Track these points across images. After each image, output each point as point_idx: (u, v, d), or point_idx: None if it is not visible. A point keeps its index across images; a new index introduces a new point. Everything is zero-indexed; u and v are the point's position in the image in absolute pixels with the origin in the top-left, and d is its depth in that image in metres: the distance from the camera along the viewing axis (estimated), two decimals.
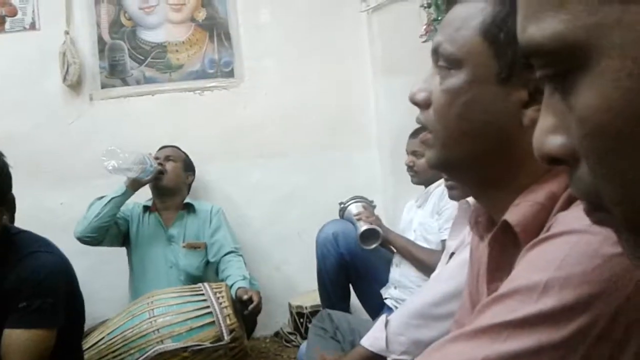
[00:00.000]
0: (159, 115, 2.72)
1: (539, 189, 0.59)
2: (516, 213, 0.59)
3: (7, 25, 2.68)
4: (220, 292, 1.91)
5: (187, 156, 2.58)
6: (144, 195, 2.51)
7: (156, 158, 2.47)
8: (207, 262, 2.45)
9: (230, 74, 2.75)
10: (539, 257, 0.51)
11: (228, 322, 1.81)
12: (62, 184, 2.68)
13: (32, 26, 2.68)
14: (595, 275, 0.46)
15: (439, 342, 0.55)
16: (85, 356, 1.77)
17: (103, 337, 1.85)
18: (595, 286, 0.46)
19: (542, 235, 0.54)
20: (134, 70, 2.71)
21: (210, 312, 1.83)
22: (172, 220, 2.48)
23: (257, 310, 2.15)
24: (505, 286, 0.52)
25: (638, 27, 0.25)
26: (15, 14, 2.68)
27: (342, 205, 2.27)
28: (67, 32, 2.63)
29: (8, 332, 1.36)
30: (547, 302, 0.47)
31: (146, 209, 2.50)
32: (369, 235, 2.09)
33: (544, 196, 0.58)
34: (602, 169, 0.28)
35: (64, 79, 2.62)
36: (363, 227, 2.10)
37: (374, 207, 2.30)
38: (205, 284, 1.99)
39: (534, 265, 0.51)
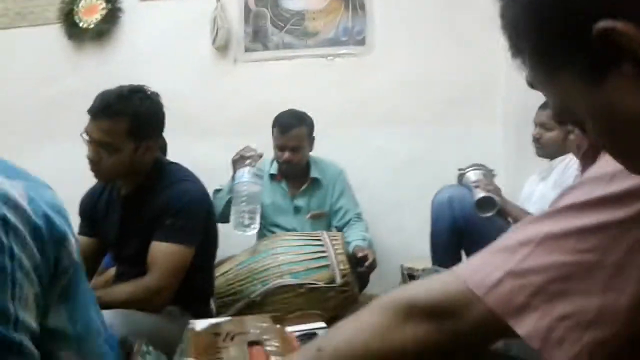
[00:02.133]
0: (293, 78, 2.91)
1: None
2: None
3: None
4: (336, 240, 2.05)
5: (309, 121, 2.47)
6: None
7: (280, 148, 2.42)
8: (329, 226, 2.55)
9: (362, 42, 2.86)
10: None
11: (342, 267, 1.95)
12: (206, 136, 2.97)
13: None
14: None
15: (520, 223, 0.62)
16: (215, 283, 2.00)
17: (231, 268, 2.08)
18: None
19: None
20: (274, 36, 2.92)
21: (326, 256, 1.97)
22: (297, 191, 2.52)
23: (372, 267, 2.24)
24: (582, 176, 0.58)
25: None
26: None
27: (461, 172, 2.30)
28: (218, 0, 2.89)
29: (155, 244, 1.60)
30: (612, 188, 0.53)
31: (272, 176, 2.53)
32: (486, 203, 2.10)
33: None
34: None
35: (213, 42, 2.90)
36: (480, 194, 2.11)
37: (494, 176, 2.30)
38: (324, 232, 2.14)
39: (606, 160, 0.56)
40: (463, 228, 2.15)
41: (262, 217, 2.48)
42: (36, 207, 0.62)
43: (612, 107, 0.42)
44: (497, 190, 2.17)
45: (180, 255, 1.60)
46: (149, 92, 1.63)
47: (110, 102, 1.54)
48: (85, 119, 1.58)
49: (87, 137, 1.57)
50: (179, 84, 2.94)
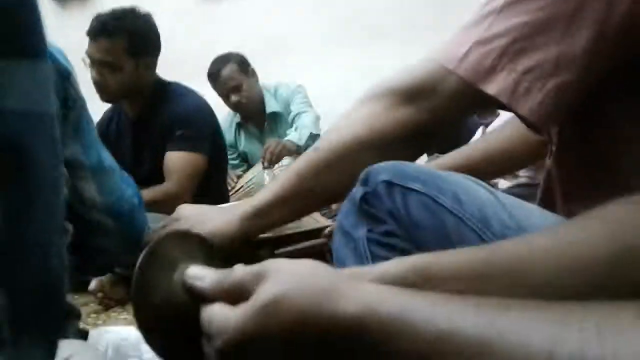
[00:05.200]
0: (278, 7, 2.95)
1: None
2: None
3: None
4: None
5: (233, 57, 2.38)
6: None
7: (224, 97, 2.36)
8: None
9: None
10: None
11: None
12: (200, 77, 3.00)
13: None
14: None
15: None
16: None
17: (242, 186, 2.18)
18: None
19: None
20: None
21: None
22: (262, 126, 2.47)
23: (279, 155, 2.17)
24: None
25: None
26: None
27: None
28: None
29: (168, 154, 1.71)
30: None
31: (240, 125, 2.49)
32: None
33: None
34: None
35: None
36: None
37: None
38: None
39: None
40: None
41: (250, 165, 2.45)
42: None
43: None
44: None
45: (194, 161, 1.70)
46: (141, 12, 1.71)
47: (106, 21, 1.62)
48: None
49: (88, 60, 1.65)
50: (165, 30, 2.98)
